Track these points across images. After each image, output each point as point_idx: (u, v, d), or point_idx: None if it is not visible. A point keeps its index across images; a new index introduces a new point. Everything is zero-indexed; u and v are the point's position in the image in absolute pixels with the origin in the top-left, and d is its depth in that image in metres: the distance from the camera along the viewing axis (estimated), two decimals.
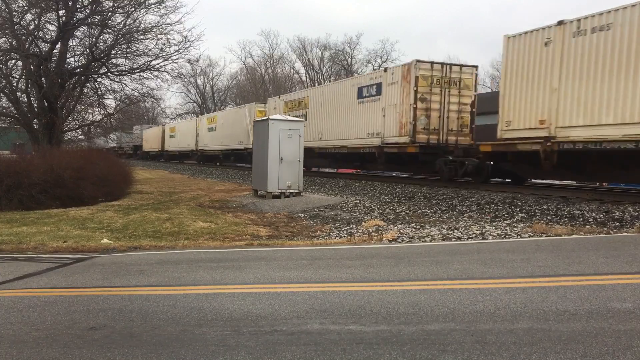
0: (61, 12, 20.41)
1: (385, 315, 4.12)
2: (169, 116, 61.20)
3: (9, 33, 20.28)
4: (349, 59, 62.27)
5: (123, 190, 17.36)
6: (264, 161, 14.82)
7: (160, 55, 21.89)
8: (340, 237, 8.99)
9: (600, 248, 6.74)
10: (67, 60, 22.05)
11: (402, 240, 8.16)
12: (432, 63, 16.65)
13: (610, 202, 10.35)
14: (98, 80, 23.18)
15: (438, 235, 8.57)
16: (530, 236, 8.16)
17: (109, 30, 21.48)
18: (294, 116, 27.58)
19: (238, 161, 34.10)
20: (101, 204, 14.39)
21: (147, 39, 21.74)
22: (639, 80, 10.02)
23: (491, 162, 15.13)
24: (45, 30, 21.58)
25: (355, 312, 4.22)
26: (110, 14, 20.97)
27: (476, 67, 17.26)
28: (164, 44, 21.59)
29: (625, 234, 8.20)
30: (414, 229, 9.21)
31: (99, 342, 3.71)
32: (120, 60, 22.54)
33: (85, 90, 23.44)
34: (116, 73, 22.54)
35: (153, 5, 20.93)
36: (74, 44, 22.59)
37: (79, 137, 27.28)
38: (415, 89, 16.17)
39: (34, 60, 20.76)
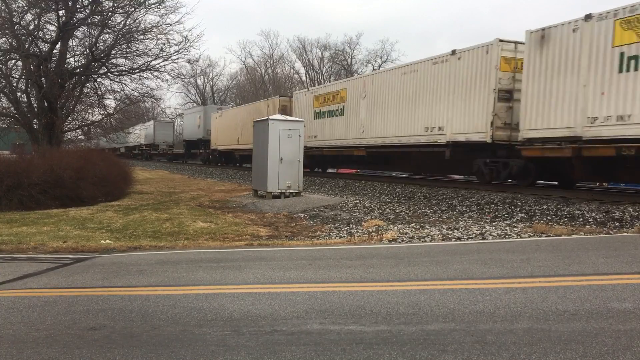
0: (61, 12, 20.38)
1: (385, 315, 4.12)
2: (169, 116, 59.80)
3: (9, 33, 20.24)
4: (349, 59, 62.33)
5: (123, 190, 17.37)
6: (264, 161, 14.82)
7: (160, 55, 21.82)
8: (340, 237, 8.99)
9: (600, 248, 6.74)
10: (67, 60, 22.00)
11: (402, 240, 8.16)
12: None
13: (610, 202, 10.35)
14: (98, 80, 23.12)
15: (438, 235, 8.57)
16: (530, 236, 8.16)
17: (108, 31, 21.44)
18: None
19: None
20: (101, 204, 14.40)
21: (147, 39, 21.67)
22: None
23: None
24: (45, 30, 21.54)
25: (355, 312, 4.22)
26: (110, 14, 20.92)
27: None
28: (163, 44, 21.52)
29: (625, 234, 8.20)
30: (414, 229, 9.21)
31: (99, 342, 3.72)
32: (120, 61, 22.49)
33: (85, 90, 23.37)
34: (116, 73, 22.49)
35: (153, 6, 20.88)
36: (74, 44, 22.55)
37: (79, 137, 27.24)
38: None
39: (34, 60, 20.73)
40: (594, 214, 9.61)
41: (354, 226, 10.06)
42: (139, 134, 52.67)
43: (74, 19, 20.67)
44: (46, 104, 20.91)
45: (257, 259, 6.75)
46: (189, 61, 24.30)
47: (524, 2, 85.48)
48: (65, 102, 21.75)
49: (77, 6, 20.88)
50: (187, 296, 4.87)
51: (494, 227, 9.09)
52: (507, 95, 13.71)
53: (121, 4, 20.84)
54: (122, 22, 21.23)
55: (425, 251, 7.14)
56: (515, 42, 13.73)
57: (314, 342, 3.58)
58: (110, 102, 24.78)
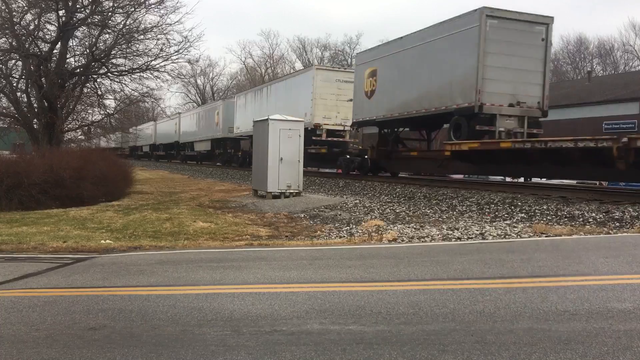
0: (61, 12, 20.40)
1: (385, 315, 4.11)
2: (169, 117, 58.09)
3: (9, 33, 20.26)
4: (349, 59, 62.36)
5: (123, 190, 17.36)
6: (264, 161, 14.82)
7: (160, 55, 21.86)
8: (340, 237, 8.99)
9: (600, 248, 6.73)
10: (67, 60, 22.02)
11: (402, 241, 8.15)
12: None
13: (610, 202, 10.34)
14: (98, 80, 23.15)
15: (438, 235, 8.57)
16: (530, 236, 8.15)
17: (109, 31, 21.47)
18: None
19: None
20: (101, 204, 14.39)
21: (147, 39, 21.73)
22: None
23: None
24: (45, 30, 21.57)
25: (355, 312, 4.22)
26: (110, 14, 20.96)
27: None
28: (163, 44, 21.58)
29: (625, 234, 8.19)
30: (414, 229, 9.21)
31: (99, 342, 3.71)
32: (120, 61, 22.51)
33: (85, 90, 23.40)
34: (116, 73, 22.49)
35: (153, 5, 20.95)
36: (74, 44, 22.60)
37: (79, 137, 27.26)
38: None
39: (34, 60, 20.74)
40: (594, 214, 9.61)
41: (354, 226, 10.06)
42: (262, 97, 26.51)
43: (74, 19, 20.68)
44: (46, 104, 20.92)
45: (257, 259, 6.74)
46: (189, 61, 24.35)
47: (522, 2, 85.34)
48: (65, 102, 21.75)
49: (77, 6, 20.90)
50: (187, 296, 4.86)
51: (494, 227, 9.09)
52: None
53: (121, 4, 20.87)
54: (122, 22, 21.29)
55: (425, 251, 7.13)
56: None
57: (314, 342, 3.58)
58: (110, 102, 24.82)
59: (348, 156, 21.10)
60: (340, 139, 23.20)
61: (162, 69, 22.28)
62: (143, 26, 21.53)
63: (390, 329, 3.78)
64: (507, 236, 8.27)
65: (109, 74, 22.54)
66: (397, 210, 12.04)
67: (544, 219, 9.83)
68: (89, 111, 25.03)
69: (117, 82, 22.88)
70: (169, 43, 21.52)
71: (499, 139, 13.95)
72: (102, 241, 8.61)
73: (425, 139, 19.14)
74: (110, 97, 24.02)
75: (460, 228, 9.16)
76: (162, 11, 21.04)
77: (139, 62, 22.17)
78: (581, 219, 9.47)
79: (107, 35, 21.96)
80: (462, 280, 5.19)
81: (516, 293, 4.59)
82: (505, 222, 9.83)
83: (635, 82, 31.80)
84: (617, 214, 9.37)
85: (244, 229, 9.98)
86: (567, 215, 9.85)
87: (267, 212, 12.60)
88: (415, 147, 19.65)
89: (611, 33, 74.96)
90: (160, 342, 3.68)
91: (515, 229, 8.78)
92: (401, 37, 17.19)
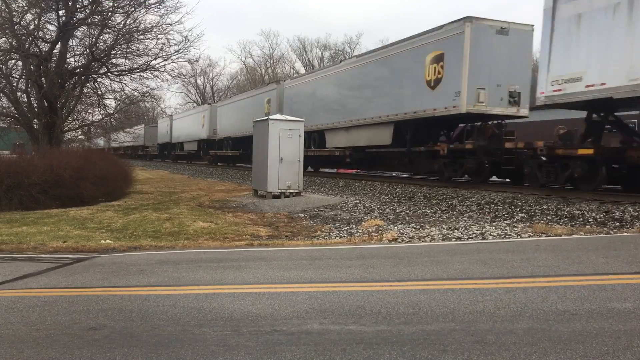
0: (61, 12, 20.38)
1: (385, 315, 4.11)
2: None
3: (9, 33, 20.24)
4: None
5: (123, 190, 17.36)
6: (264, 161, 14.83)
7: (160, 55, 21.81)
8: (340, 237, 8.99)
9: (600, 248, 6.73)
10: (67, 60, 21.99)
11: (402, 240, 8.15)
12: None
13: (610, 202, 10.33)
14: (98, 80, 23.12)
15: (438, 235, 8.57)
16: (530, 236, 8.15)
17: (109, 30, 21.44)
18: None
19: None
20: (101, 204, 14.39)
21: (147, 39, 21.68)
22: None
23: None
24: (45, 30, 21.53)
25: (355, 312, 4.22)
26: (110, 14, 20.94)
27: None
28: (163, 44, 21.55)
29: (625, 234, 8.19)
30: (414, 229, 9.21)
31: (99, 342, 3.71)
32: (120, 60, 22.45)
33: (85, 90, 23.35)
34: (116, 73, 22.46)
35: (153, 5, 20.91)
36: (74, 44, 22.55)
37: (79, 136, 27.24)
38: None
39: (34, 60, 20.71)
40: (594, 214, 9.60)
41: (354, 226, 10.06)
42: None
43: (74, 18, 20.67)
44: (46, 104, 20.89)
45: (257, 258, 6.74)
46: (189, 61, 24.32)
47: (522, 1, 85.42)
48: (65, 102, 21.72)
49: (77, 6, 20.88)
50: (187, 296, 4.86)
51: (494, 227, 9.09)
52: None
53: (121, 4, 20.85)
54: (122, 22, 21.25)
55: (425, 251, 7.14)
56: None
57: (314, 342, 3.58)
58: (110, 102, 24.80)
59: None
60: None
61: (162, 69, 22.25)
62: (143, 26, 21.51)
63: (390, 329, 3.78)
64: (507, 236, 8.27)
65: (109, 73, 22.52)
66: (397, 210, 12.05)
67: (544, 218, 9.83)
68: (89, 111, 25.02)
69: (117, 82, 22.86)
70: (169, 43, 21.51)
71: None
72: (102, 241, 8.61)
73: None
74: (110, 97, 24.01)
75: (460, 228, 9.16)
76: (162, 11, 21.03)
77: (139, 62, 22.14)
78: (581, 219, 9.47)
79: (107, 35, 21.95)
80: (462, 280, 5.19)
81: (516, 293, 4.59)
82: (506, 222, 9.83)
83: None
84: (617, 214, 9.37)
85: (244, 229, 9.98)
86: (567, 215, 9.85)
87: (267, 212, 12.60)
88: None
89: None
90: (160, 342, 3.68)
91: (515, 229, 8.78)
92: None
